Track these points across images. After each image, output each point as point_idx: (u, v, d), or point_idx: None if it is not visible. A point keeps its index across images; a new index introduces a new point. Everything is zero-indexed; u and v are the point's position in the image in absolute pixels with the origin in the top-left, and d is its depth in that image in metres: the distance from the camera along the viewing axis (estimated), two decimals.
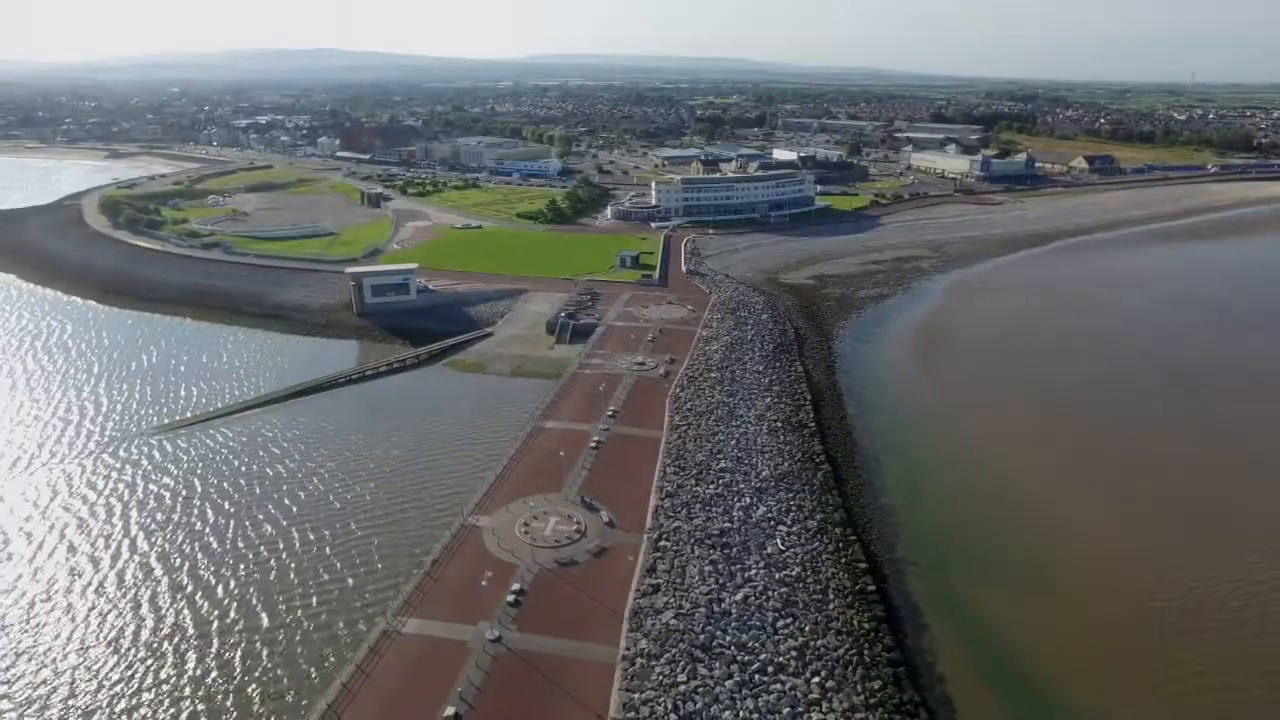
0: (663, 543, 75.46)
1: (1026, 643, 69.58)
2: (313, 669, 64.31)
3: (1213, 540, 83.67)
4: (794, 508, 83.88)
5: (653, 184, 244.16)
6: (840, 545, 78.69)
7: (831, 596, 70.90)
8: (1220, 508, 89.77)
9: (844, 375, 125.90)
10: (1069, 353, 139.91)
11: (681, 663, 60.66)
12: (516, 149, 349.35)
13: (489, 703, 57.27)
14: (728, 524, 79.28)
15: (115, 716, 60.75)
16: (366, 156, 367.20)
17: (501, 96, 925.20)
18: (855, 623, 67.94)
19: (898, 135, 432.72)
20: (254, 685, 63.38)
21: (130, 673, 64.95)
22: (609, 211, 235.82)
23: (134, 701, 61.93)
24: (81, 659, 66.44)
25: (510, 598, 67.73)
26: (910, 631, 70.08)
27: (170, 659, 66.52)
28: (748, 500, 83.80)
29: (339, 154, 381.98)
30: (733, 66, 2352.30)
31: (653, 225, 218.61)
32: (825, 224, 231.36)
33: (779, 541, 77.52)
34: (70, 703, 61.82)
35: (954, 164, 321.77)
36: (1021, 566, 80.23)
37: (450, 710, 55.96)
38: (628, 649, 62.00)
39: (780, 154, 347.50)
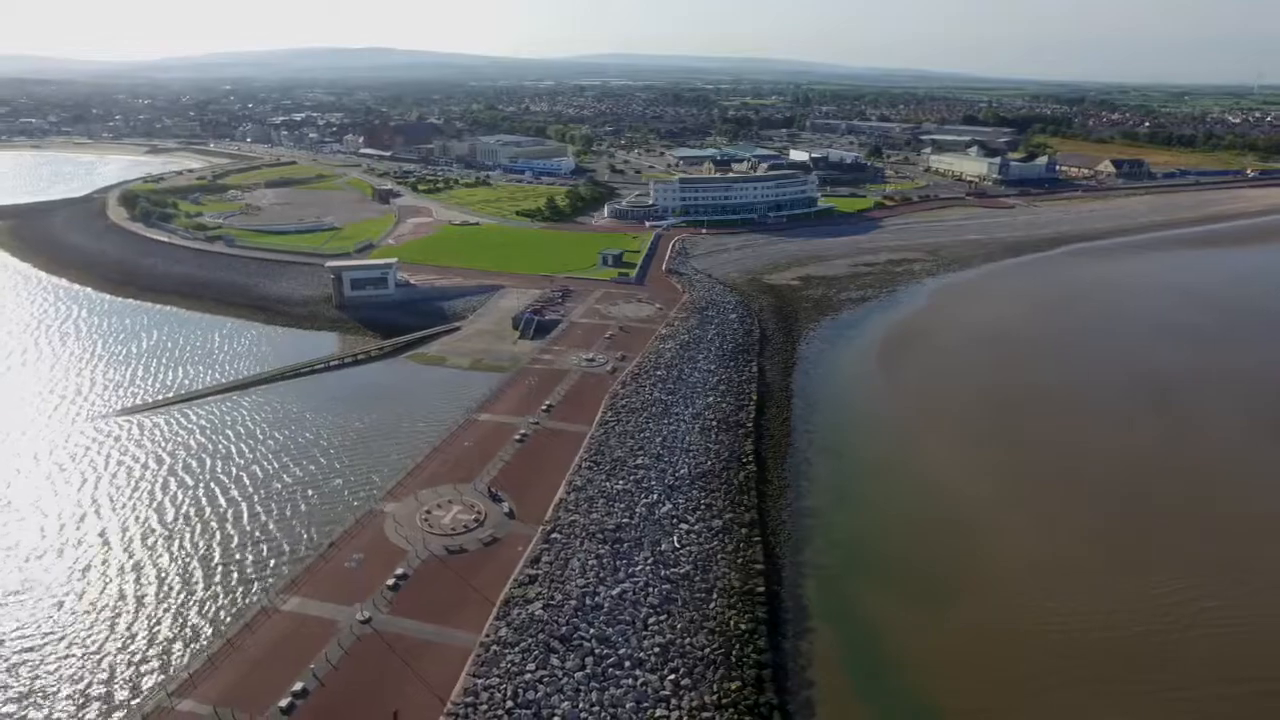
0: (554, 535, 76.38)
1: (915, 652, 68.54)
2: None
3: (1137, 559, 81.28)
4: (703, 506, 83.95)
5: (651, 183, 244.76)
6: (741, 546, 78.53)
7: (715, 596, 70.92)
8: (1159, 527, 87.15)
9: (801, 376, 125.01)
10: (1042, 360, 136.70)
11: (535, 652, 61.46)
12: (531, 148, 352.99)
13: (338, 680, 58.91)
14: (626, 519, 79.74)
15: (42, 665, 64.74)
16: (388, 153, 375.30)
17: (538, 95, 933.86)
18: (732, 623, 67.87)
19: (923, 137, 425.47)
20: (179, 647, 66.52)
21: (66, 629, 68.90)
22: (606, 210, 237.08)
23: (64, 655, 66.00)
24: (26, 614, 70.71)
25: (391, 581, 69.39)
26: (792, 635, 69.59)
27: (105, 619, 70.24)
28: (655, 497, 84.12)
29: (362, 151, 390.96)
30: (780, 68, 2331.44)
31: (647, 224, 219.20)
32: (825, 225, 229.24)
33: (675, 539, 77.74)
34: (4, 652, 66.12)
35: (972, 166, 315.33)
36: (933, 576, 78.83)
37: (299, 685, 57.75)
38: (487, 636, 63.10)
39: (796, 155, 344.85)
